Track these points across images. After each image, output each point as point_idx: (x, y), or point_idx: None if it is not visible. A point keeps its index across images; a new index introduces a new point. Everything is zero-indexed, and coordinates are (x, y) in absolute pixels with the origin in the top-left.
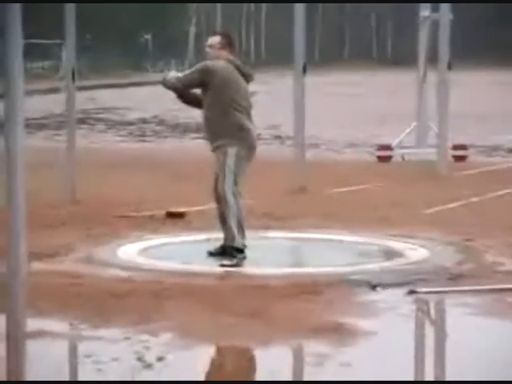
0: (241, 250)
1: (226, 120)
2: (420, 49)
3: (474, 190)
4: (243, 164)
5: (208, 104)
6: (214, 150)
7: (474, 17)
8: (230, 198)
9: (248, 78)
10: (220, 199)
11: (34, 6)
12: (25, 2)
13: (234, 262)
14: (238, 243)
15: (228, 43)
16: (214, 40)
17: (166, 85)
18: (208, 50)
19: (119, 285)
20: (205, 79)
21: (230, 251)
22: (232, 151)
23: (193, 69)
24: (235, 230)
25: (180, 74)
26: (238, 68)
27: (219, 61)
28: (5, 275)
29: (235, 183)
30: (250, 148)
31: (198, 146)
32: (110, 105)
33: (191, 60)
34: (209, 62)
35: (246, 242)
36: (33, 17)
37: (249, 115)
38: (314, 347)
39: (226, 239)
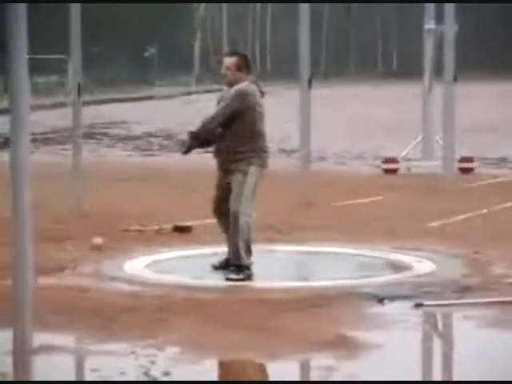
0: (247, 267)
1: (251, 141)
2: (425, 60)
3: (481, 202)
4: (259, 184)
5: (234, 127)
6: (235, 169)
7: (479, 27)
8: (244, 218)
9: (262, 96)
10: (235, 217)
11: (39, 21)
12: (28, 2)
13: (241, 276)
14: (243, 262)
15: (245, 64)
16: (231, 61)
17: (200, 135)
18: (225, 72)
19: (126, 299)
20: (241, 106)
21: (236, 266)
22: (253, 170)
23: (223, 104)
24: (242, 251)
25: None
26: (259, 88)
27: (249, 84)
28: (11, 289)
29: (251, 204)
30: (265, 167)
31: (204, 159)
32: (117, 119)
33: (197, 73)
34: (244, 87)
35: (253, 257)
36: (38, 32)
37: (265, 138)
38: (320, 360)
39: (231, 256)
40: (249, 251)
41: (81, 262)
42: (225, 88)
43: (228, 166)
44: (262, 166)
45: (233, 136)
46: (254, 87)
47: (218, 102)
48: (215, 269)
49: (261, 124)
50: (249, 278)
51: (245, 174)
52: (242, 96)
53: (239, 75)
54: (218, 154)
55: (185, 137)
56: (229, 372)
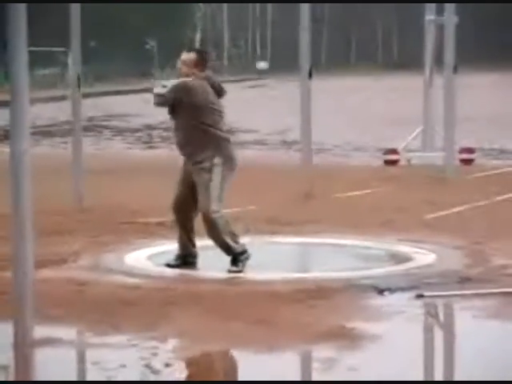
0: (242, 253)
1: (205, 137)
2: (426, 52)
3: (482, 193)
4: (227, 178)
5: (184, 122)
6: (197, 167)
7: (479, 18)
8: (215, 216)
9: (221, 94)
10: (207, 218)
11: (39, 13)
12: (29, 2)
13: (240, 267)
14: (236, 250)
15: (203, 60)
16: (189, 57)
17: (158, 102)
18: (181, 66)
19: (127, 291)
20: (182, 97)
21: (232, 258)
22: (217, 166)
23: (171, 87)
24: (229, 242)
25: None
26: (212, 85)
27: (195, 79)
28: (12, 282)
29: (221, 199)
30: (231, 158)
31: None
32: (117, 112)
33: None
34: (188, 81)
35: (253, 248)
36: (38, 25)
37: (222, 130)
38: (321, 352)
39: (224, 253)
40: (235, 237)
41: (81, 255)
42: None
43: (189, 161)
44: (227, 160)
45: (187, 133)
46: (201, 83)
47: None
48: (170, 267)
49: (214, 117)
50: (246, 260)
51: (209, 171)
52: (183, 86)
53: (194, 71)
54: (182, 154)
55: None
56: (229, 364)
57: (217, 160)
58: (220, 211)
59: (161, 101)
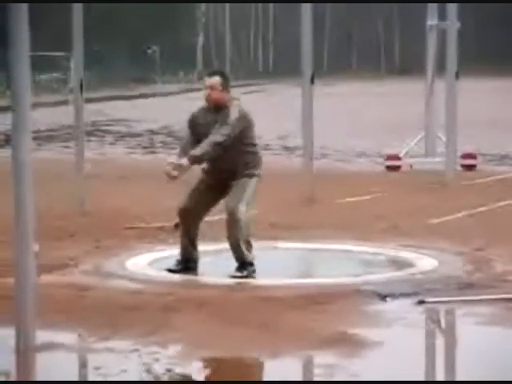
0: (250, 263)
1: (250, 154)
2: (428, 58)
3: (483, 199)
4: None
5: (231, 146)
6: (238, 178)
7: (480, 23)
8: (240, 216)
9: None
10: (232, 215)
11: (41, 18)
12: (30, 2)
13: (245, 273)
14: (246, 258)
15: (227, 81)
16: (216, 81)
17: (206, 155)
18: (209, 91)
19: (128, 296)
20: (243, 128)
21: (239, 264)
22: (255, 177)
23: (228, 128)
24: (243, 248)
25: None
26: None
27: (236, 103)
28: (14, 287)
29: (249, 204)
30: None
31: None
32: (119, 117)
33: (199, 70)
34: (241, 110)
35: (255, 253)
36: (41, 30)
37: (258, 145)
38: (323, 358)
39: (234, 256)
40: (250, 247)
41: (83, 260)
42: (198, 109)
43: (230, 180)
44: (260, 174)
45: (233, 156)
46: (241, 106)
47: (193, 125)
48: (172, 272)
49: (253, 135)
50: (253, 273)
51: (249, 177)
52: (245, 118)
53: (224, 94)
54: (217, 172)
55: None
56: (231, 369)
57: (257, 171)
58: (245, 214)
59: (227, 140)
